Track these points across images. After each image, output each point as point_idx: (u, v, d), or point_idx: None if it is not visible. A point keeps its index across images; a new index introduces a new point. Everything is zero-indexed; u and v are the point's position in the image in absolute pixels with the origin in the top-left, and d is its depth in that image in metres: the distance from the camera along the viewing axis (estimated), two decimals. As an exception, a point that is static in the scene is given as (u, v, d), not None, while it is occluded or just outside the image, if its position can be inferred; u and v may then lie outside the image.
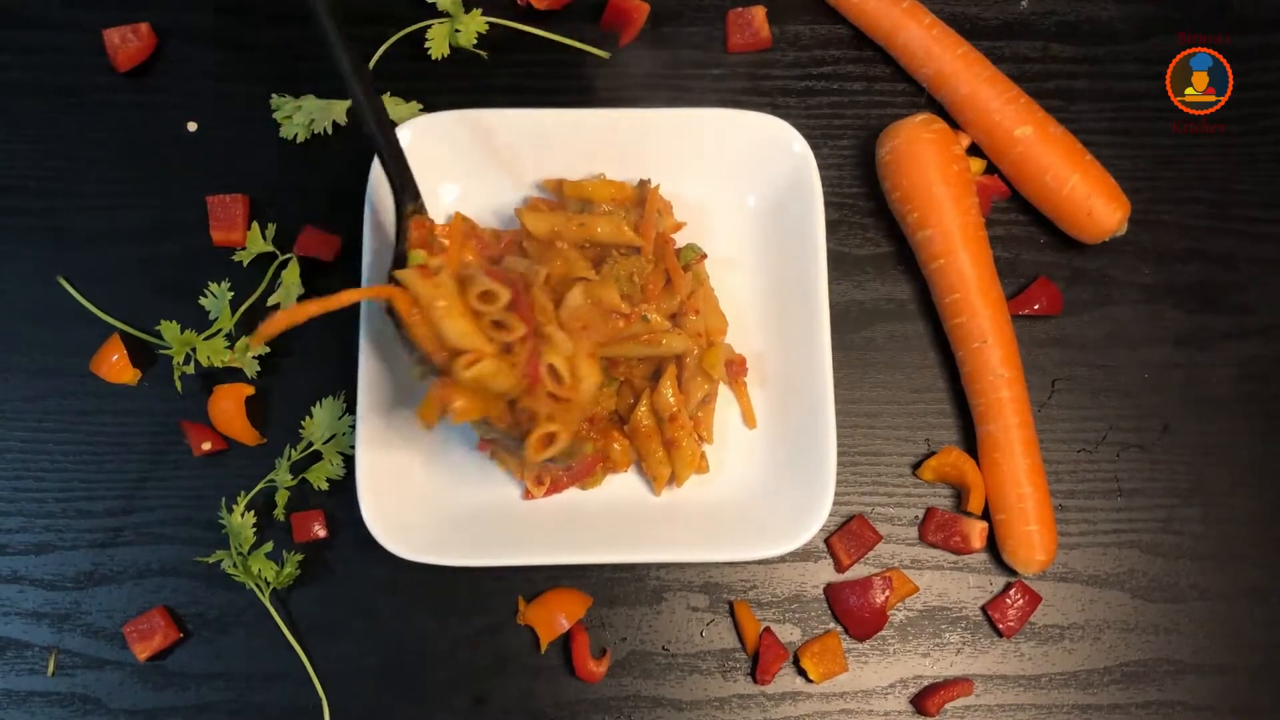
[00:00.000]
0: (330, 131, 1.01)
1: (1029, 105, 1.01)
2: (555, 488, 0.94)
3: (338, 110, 1.01)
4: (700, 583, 0.97)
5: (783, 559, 0.97)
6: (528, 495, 0.94)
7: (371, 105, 0.85)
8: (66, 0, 1.05)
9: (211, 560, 0.95)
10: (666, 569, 0.97)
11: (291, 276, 0.99)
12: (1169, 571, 0.98)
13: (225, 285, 0.98)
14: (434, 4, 1.03)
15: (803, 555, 0.97)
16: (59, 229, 1.02)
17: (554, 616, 0.94)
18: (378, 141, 0.86)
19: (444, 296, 0.80)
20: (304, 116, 1.01)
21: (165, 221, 1.02)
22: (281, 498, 0.96)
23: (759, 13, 1.05)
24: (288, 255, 0.99)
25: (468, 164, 0.97)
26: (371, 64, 1.02)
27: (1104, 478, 1.00)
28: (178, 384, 0.97)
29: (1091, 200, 0.99)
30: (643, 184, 0.96)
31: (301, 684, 0.94)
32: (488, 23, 1.03)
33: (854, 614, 0.95)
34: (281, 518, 0.96)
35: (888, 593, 0.95)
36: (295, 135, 1.01)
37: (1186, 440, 1.01)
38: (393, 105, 1.00)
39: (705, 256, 0.96)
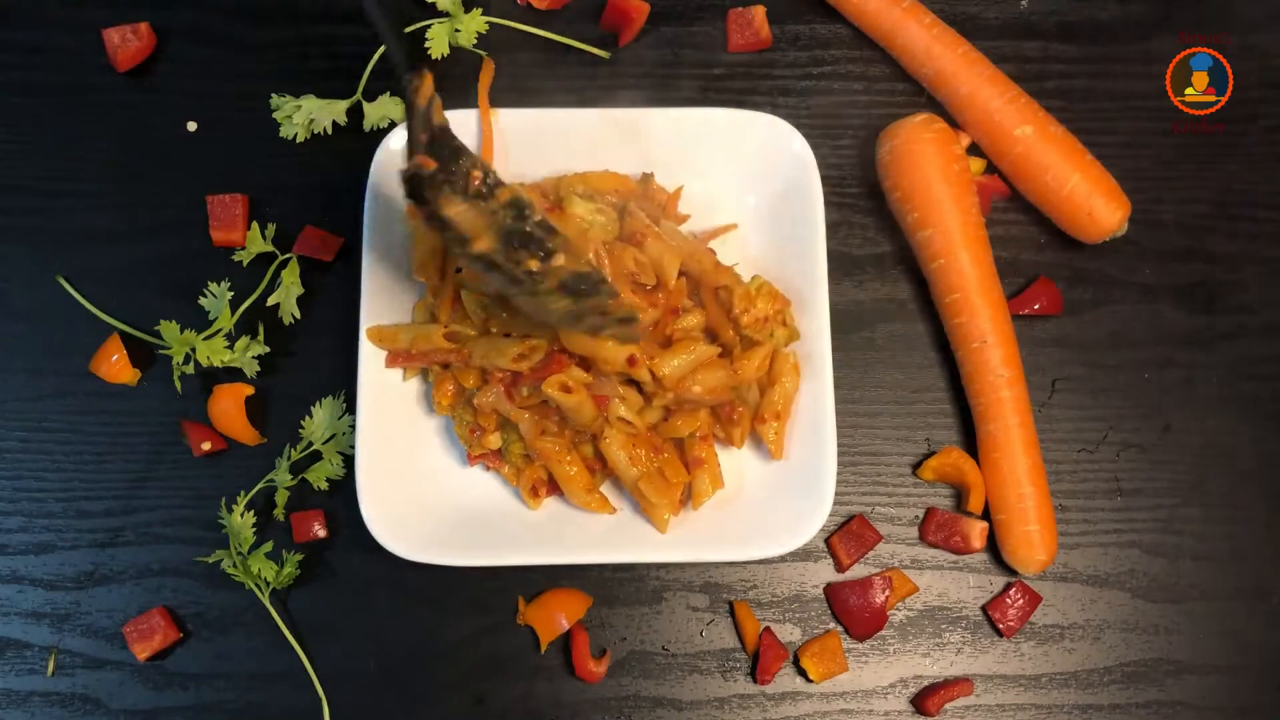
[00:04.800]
0: (330, 131, 1.01)
1: (1029, 105, 1.01)
2: (555, 489, 0.94)
3: (338, 110, 1.01)
4: (700, 583, 0.97)
5: (783, 559, 0.97)
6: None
7: None
8: (66, 0, 1.05)
9: (211, 560, 0.95)
10: (666, 569, 0.97)
11: (291, 276, 0.98)
12: (1169, 571, 0.98)
13: (225, 285, 0.98)
14: (434, 4, 1.03)
15: (803, 555, 0.97)
16: (59, 229, 1.02)
17: (554, 616, 0.94)
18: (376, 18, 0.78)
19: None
20: (304, 116, 1.01)
21: (165, 221, 1.02)
22: (281, 498, 0.96)
23: (759, 12, 1.05)
24: (288, 255, 0.99)
25: (468, 164, 0.97)
26: (371, 64, 1.02)
27: (1104, 478, 1.00)
28: (177, 384, 0.97)
29: (1091, 200, 0.99)
30: (646, 178, 0.96)
31: (301, 684, 0.94)
32: (488, 23, 1.03)
33: (854, 614, 0.95)
34: (281, 518, 0.96)
35: (888, 593, 0.95)
36: (295, 135, 1.01)
37: (1186, 440, 1.01)
38: (393, 105, 1.00)
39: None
